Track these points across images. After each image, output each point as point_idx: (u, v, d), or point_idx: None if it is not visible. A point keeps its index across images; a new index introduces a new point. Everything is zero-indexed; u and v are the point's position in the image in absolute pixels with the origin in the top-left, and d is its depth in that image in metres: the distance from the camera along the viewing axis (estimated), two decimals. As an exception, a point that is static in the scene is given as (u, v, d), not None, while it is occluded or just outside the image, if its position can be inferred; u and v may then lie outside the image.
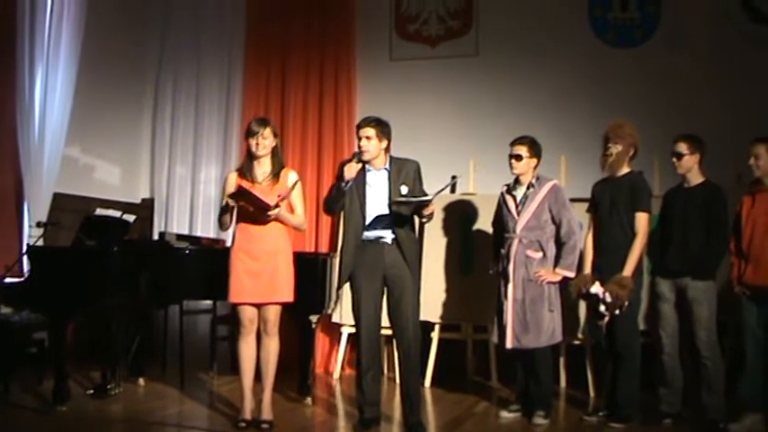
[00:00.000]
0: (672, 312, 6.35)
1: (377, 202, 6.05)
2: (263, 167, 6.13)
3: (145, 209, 9.60)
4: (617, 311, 6.19)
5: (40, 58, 8.06)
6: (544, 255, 6.47)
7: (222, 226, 6.23)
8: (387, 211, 6.02)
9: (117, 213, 7.37)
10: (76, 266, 6.62)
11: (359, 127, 6.12)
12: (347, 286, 6.17)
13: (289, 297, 6.14)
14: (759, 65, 7.98)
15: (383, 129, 6.06)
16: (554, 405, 6.72)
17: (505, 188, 6.71)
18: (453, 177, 6.16)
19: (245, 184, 6.02)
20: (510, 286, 6.45)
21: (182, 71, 9.71)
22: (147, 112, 9.93)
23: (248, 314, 6.13)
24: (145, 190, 9.88)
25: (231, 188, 6.08)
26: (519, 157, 6.51)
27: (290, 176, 6.19)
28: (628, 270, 6.23)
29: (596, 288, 6.24)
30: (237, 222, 6.16)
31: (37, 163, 8.01)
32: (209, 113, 9.57)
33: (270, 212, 5.96)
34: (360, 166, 6.00)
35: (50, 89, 8.12)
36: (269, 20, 9.32)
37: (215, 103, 9.57)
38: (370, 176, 6.09)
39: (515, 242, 6.49)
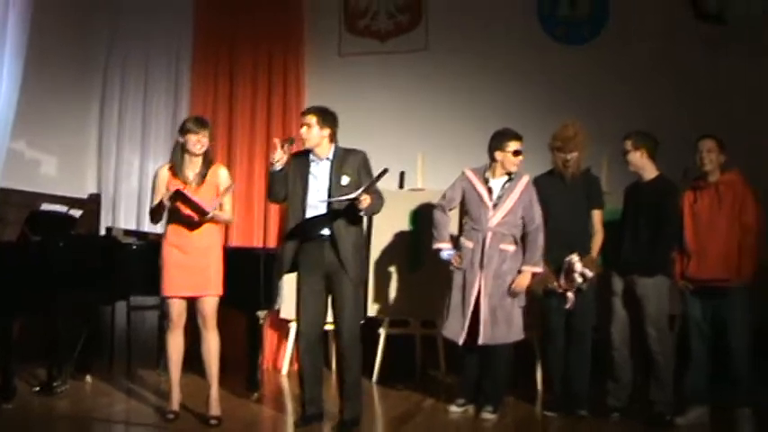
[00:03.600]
0: (622, 308, 6.42)
1: (318, 193, 5.99)
2: (194, 167, 6.15)
3: (92, 204, 9.48)
4: (584, 286, 6.31)
5: (-15, 50, 7.93)
6: (517, 248, 6.48)
7: (154, 220, 6.28)
8: (324, 210, 5.96)
9: (63, 209, 7.31)
10: (22, 262, 6.55)
11: (302, 115, 6.13)
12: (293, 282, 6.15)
13: (219, 291, 6.19)
14: (705, 61, 8.05)
15: (325, 117, 6.02)
16: (504, 401, 6.71)
17: (474, 174, 6.65)
18: (383, 171, 5.84)
19: (177, 184, 6.04)
20: (482, 281, 6.42)
21: (130, 65, 9.66)
22: (94, 108, 9.82)
23: (177, 308, 6.18)
24: (92, 185, 9.76)
25: (162, 184, 6.14)
26: (521, 153, 6.49)
27: (221, 173, 6.24)
28: (594, 255, 6.46)
29: (575, 260, 6.33)
30: (169, 217, 6.18)
31: (-19, 157, 7.89)
32: (157, 110, 9.54)
33: (205, 217, 6.01)
34: (288, 151, 5.94)
35: (-5, 82, 8.00)
36: (217, 14, 9.24)
37: (162, 99, 9.53)
38: (313, 166, 6.06)
39: (489, 235, 6.45)
